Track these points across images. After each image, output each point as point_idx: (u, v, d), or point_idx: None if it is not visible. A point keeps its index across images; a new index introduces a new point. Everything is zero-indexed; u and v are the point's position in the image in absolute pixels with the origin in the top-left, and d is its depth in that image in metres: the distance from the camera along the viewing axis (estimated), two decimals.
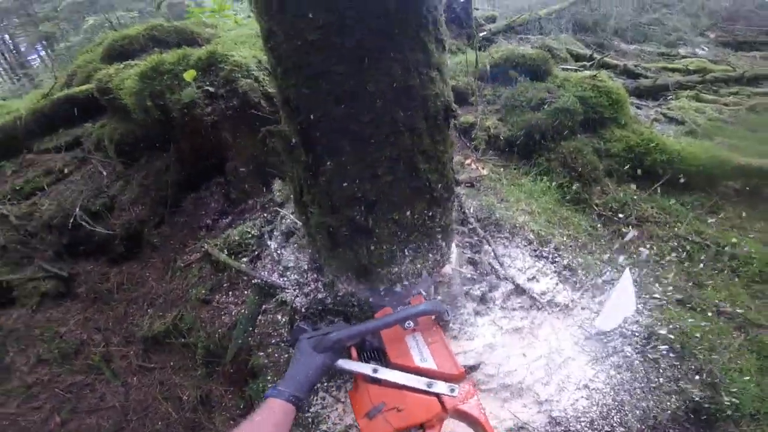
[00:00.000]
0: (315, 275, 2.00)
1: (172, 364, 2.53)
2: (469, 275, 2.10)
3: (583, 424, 1.68)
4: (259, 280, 2.20)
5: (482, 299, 2.02)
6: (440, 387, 1.07)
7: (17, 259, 3.21)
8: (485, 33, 6.92)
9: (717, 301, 2.40)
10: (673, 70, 5.98)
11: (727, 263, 2.71)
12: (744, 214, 3.07)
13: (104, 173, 3.52)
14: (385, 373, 1.11)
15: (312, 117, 1.34)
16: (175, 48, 4.08)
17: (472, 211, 2.53)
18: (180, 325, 2.48)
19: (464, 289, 2.00)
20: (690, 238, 2.79)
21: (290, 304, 1.98)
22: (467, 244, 2.34)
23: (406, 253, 1.56)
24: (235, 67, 2.68)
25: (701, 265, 2.67)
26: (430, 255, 1.65)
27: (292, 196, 2.49)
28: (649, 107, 4.76)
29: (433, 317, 1.24)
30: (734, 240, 2.82)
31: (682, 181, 3.07)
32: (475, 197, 2.69)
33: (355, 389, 1.15)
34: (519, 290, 2.10)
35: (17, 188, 3.61)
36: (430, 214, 1.57)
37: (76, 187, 3.44)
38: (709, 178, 3.11)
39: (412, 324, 1.21)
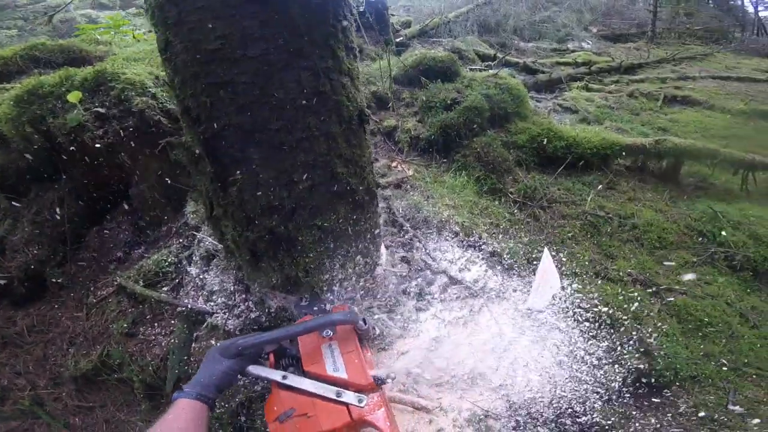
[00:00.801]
0: (243, 295, 1.97)
1: (112, 400, 2.41)
2: (404, 273, 2.13)
3: (541, 404, 1.73)
4: (184, 308, 2.12)
5: (420, 295, 2.06)
6: (349, 397, 1.09)
7: None
8: (401, 38, 7.14)
9: (629, 270, 2.69)
10: (565, 64, 6.67)
11: (630, 233, 3.05)
12: (635, 187, 3.49)
13: None
14: (295, 380, 1.13)
15: (215, 126, 1.27)
16: (60, 69, 3.76)
17: (400, 211, 2.59)
18: (108, 361, 2.36)
19: (401, 288, 2.03)
20: (595, 213, 3.11)
21: (222, 328, 1.94)
22: (399, 243, 2.38)
23: (335, 259, 1.54)
24: (128, 85, 2.50)
25: (608, 238, 2.98)
26: (360, 258, 1.65)
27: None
28: (547, 100, 5.25)
29: (351, 326, 1.26)
30: (632, 211, 3.20)
31: (581, 163, 3.42)
32: (403, 197, 2.75)
33: (270, 395, 1.17)
34: (453, 281, 2.18)
35: None
36: (354, 217, 1.57)
37: None
38: (603, 159, 3.50)
39: (330, 333, 1.22)
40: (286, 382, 1.13)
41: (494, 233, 2.63)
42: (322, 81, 1.32)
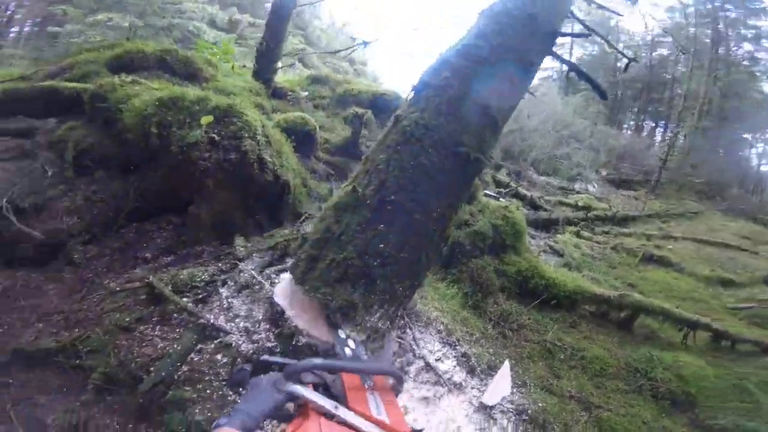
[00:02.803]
0: (268, 326, 2.24)
1: (37, 382, 2.25)
2: (395, 349, 2.88)
3: None
4: (204, 321, 2.29)
5: (401, 370, 2.75)
6: None
7: None
8: None
9: (570, 389, 3.37)
10: (567, 205, 7.77)
11: (578, 362, 3.78)
12: (593, 329, 4.28)
13: (49, 173, 3.29)
14: (345, 413, 1.15)
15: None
16: (178, 78, 4.47)
17: None
18: (77, 345, 2.32)
19: (390, 359, 2.75)
20: (553, 343, 3.87)
21: (235, 348, 2.17)
22: (396, 325, 3.15)
23: (379, 310, 2.11)
24: (245, 125, 3.01)
25: (560, 363, 3.72)
26: (388, 322, 2.27)
27: (256, 254, 2.87)
28: (541, 238, 6.23)
29: (391, 381, 1.35)
30: (584, 346, 3.95)
31: (553, 302, 4.26)
32: None
33: (302, 419, 1.15)
34: (428, 368, 2.92)
35: None
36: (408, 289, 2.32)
37: (7, 176, 3.22)
38: (572, 302, 4.33)
39: (371, 382, 1.30)
40: (337, 412, 1.13)
41: (468, 340, 3.41)
42: None
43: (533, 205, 7.28)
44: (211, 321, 2.29)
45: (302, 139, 4.57)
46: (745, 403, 3.71)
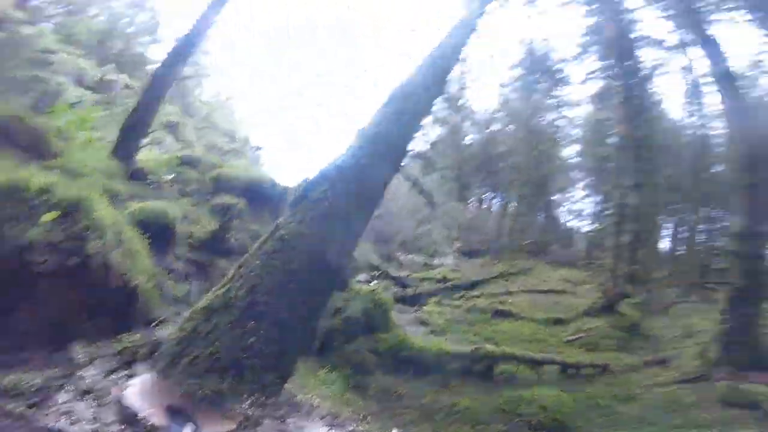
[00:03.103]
0: (123, 427, 2.20)
1: None
2: None
3: None
4: (42, 425, 2.16)
5: None
6: None
7: None
8: None
9: None
10: (428, 279, 8.90)
11: (456, 416, 4.18)
12: (458, 384, 4.87)
13: None
14: None
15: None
16: (20, 149, 3.73)
17: None
18: None
19: None
20: (430, 405, 4.29)
21: None
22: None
23: (249, 398, 2.32)
24: (93, 224, 2.77)
25: (440, 421, 4.09)
26: (260, 408, 2.44)
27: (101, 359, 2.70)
28: (409, 312, 7.00)
29: None
30: (457, 401, 4.43)
31: (423, 367, 4.79)
32: None
33: None
34: None
35: None
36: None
37: None
38: (439, 363, 4.94)
39: None
40: None
41: (355, 419, 3.59)
42: None
43: (401, 284, 8.14)
44: (51, 426, 2.14)
45: (160, 233, 4.26)
46: (608, 416, 4.50)
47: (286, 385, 3.61)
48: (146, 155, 6.75)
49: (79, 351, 2.81)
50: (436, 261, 11.51)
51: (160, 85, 6.05)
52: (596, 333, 7.45)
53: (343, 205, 3.07)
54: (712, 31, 6.74)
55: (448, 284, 8.71)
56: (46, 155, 4.36)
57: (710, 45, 6.48)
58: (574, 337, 7.52)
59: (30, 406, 2.29)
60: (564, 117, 28.07)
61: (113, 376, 2.64)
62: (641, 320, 8.55)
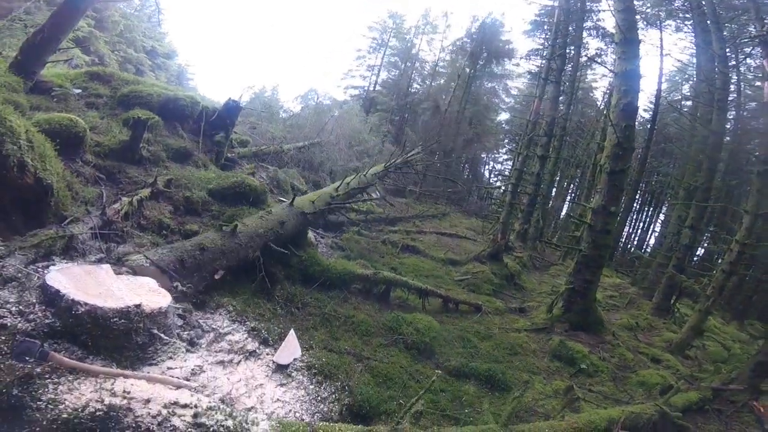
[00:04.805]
0: (44, 306, 2.50)
1: None
2: (180, 324, 3.20)
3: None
4: None
5: (191, 342, 3.15)
6: None
7: None
8: (234, 155, 8.53)
9: (346, 347, 4.36)
10: (353, 210, 9.32)
11: (350, 326, 4.87)
12: (360, 301, 5.55)
13: None
14: None
15: None
16: None
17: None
18: None
19: (177, 332, 3.05)
20: (330, 314, 4.89)
21: (12, 328, 2.38)
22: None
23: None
24: (9, 130, 3.07)
25: (336, 328, 4.72)
26: None
27: (19, 252, 2.88)
28: (330, 237, 7.42)
29: None
30: (353, 314, 5.11)
31: (328, 283, 5.33)
32: None
33: None
34: (220, 338, 3.39)
35: None
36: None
37: None
38: (343, 282, 5.51)
39: None
40: None
41: (259, 319, 4.04)
42: None
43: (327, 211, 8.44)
44: None
45: (67, 141, 4.43)
46: (468, 348, 5.43)
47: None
48: (50, 71, 6.36)
49: None
50: (364, 194, 11.90)
51: (75, 8, 5.76)
52: (480, 277, 8.62)
53: None
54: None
55: (369, 216, 9.22)
56: None
57: (631, 44, 7.18)
58: (462, 278, 8.65)
59: None
60: (502, 85, 30.11)
61: (33, 266, 2.86)
62: (518, 273, 10.08)
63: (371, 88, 31.23)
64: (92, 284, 2.76)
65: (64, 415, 2.07)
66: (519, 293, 9.13)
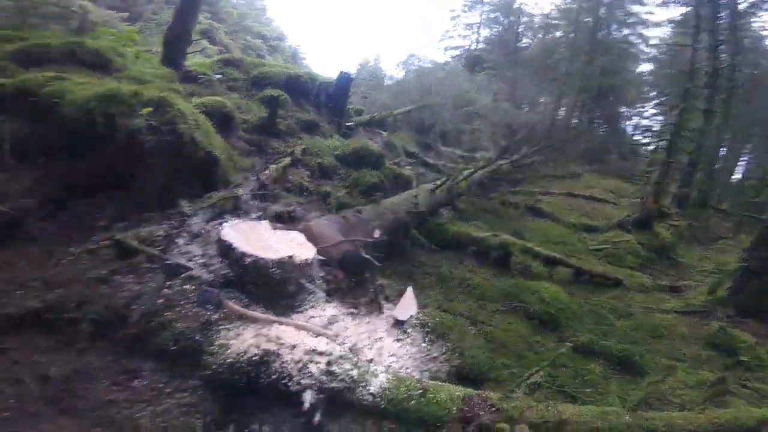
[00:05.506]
0: (221, 259, 2.93)
1: (36, 344, 2.52)
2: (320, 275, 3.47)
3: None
4: (171, 262, 2.93)
5: (329, 293, 3.41)
6: None
7: None
8: (351, 124, 8.97)
9: (460, 309, 4.31)
10: (467, 170, 8.91)
11: (465, 289, 4.77)
12: (476, 264, 5.34)
13: None
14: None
15: None
16: (90, 69, 4.67)
17: None
18: (64, 303, 2.66)
19: (318, 283, 3.33)
20: (445, 275, 4.83)
21: (198, 278, 2.83)
22: None
23: None
24: (178, 113, 3.71)
25: (452, 290, 4.66)
26: None
27: (201, 212, 3.55)
28: None
29: None
30: (469, 277, 4.96)
31: (443, 244, 5.24)
32: None
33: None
34: (350, 290, 3.59)
35: None
36: None
37: None
38: (458, 243, 5.36)
39: None
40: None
41: (381, 275, 4.17)
42: None
43: (438, 172, 8.29)
44: (175, 261, 2.92)
45: (221, 120, 5.14)
46: (601, 325, 4.78)
47: None
48: (191, 61, 7.35)
49: (185, 206, 3.61)
50: (478, 155, 11.32)
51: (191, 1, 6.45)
52: (623, 247, 7.44)
53: None
54: None
55: (486, 175, 8.72)
56: (113, 71, 5.07)
57: None
58: (599, 247, 7.59)
59: (162, 250, 3.06)
60: (638, 34, 25.17)
61: (211, 224, 3.40)
62: (673, 245, 8.41)
63: (472, 47, 29.23)
64: (255, 238, 3.14)
65: (230, 360, 2.36)
66: (672, 269, 7.64)
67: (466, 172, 7.21)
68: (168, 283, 2.81)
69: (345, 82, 8.22)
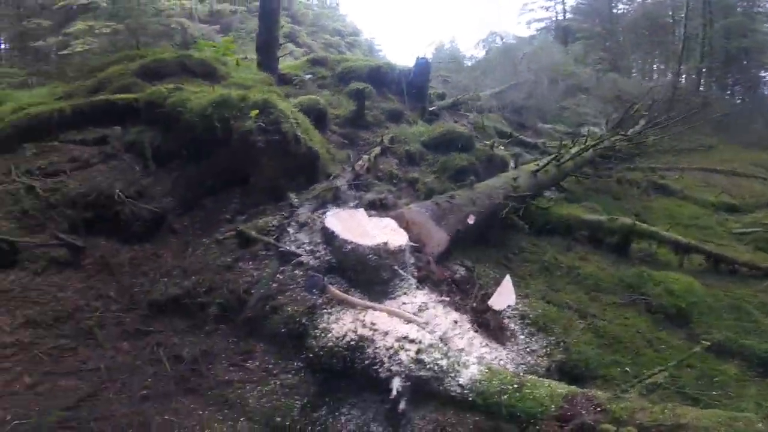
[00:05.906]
0: (325, 246, 3.09)
1: (173, 327, 2.85)
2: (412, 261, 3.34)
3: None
4: (283, 249, 3.16)
5: (421, 279, 3.26)
6: None
7: (32, 226, 3.36)
8: (434, 108, 8.68)
9: (567, 300, 3.80)
10: (570, 147, 7.96)
11: (573, 278, 4.20)
12: (588, 251, 4.68)
13: (137, 168, 4.12)
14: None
15: None
16: (200, 78, 5.25)
17: None
18: (197, 288, 2.98)
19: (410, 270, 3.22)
20: (550, 262, 4.31)
21: (306, 264, 3.01)
22: None
23: None
24: (281, 113, 3.96)
25: (557, 279, 4.14)
26: None
27: (307, 203, 3.76)
28: None
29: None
30: (579, 265, 4.36)
31: (548, 227, 4.68)
32: None
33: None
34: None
35: (41, 167, 3.91)
36: None
37: (105, 176, 3.90)
38: (567, 227, 4.74)
39: None
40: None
41: (475, 261, 3.90)
42: None
43: (537, 151, 7.56)
44: (287, 248, 3.17)
45: (316, 117, 5.41)
46: (742, 322, 3.89)
47: None
48: (282, 64, 7.81)
49: (293, 198, 3.85)
50: (583, 131, 10.09)
51: (271, 9, 6.91)
52: None
53: None
54: None
55: (593, 152, 7.67)
56: (219, 78, 5.62)
57: None
58: (745, 230, 6.19)
59: (276, 239, 3.32)
60: None
61: (316, 213, 3.58)
62: None
63: (560, 18, 26.67)
64: (354, 225, 3.21)
65: (330, 344, 2.44)
66: None
67: (574, 150, 6.38)
68: (281, 268, 3.03)
69: (423, 67, 8.07)
